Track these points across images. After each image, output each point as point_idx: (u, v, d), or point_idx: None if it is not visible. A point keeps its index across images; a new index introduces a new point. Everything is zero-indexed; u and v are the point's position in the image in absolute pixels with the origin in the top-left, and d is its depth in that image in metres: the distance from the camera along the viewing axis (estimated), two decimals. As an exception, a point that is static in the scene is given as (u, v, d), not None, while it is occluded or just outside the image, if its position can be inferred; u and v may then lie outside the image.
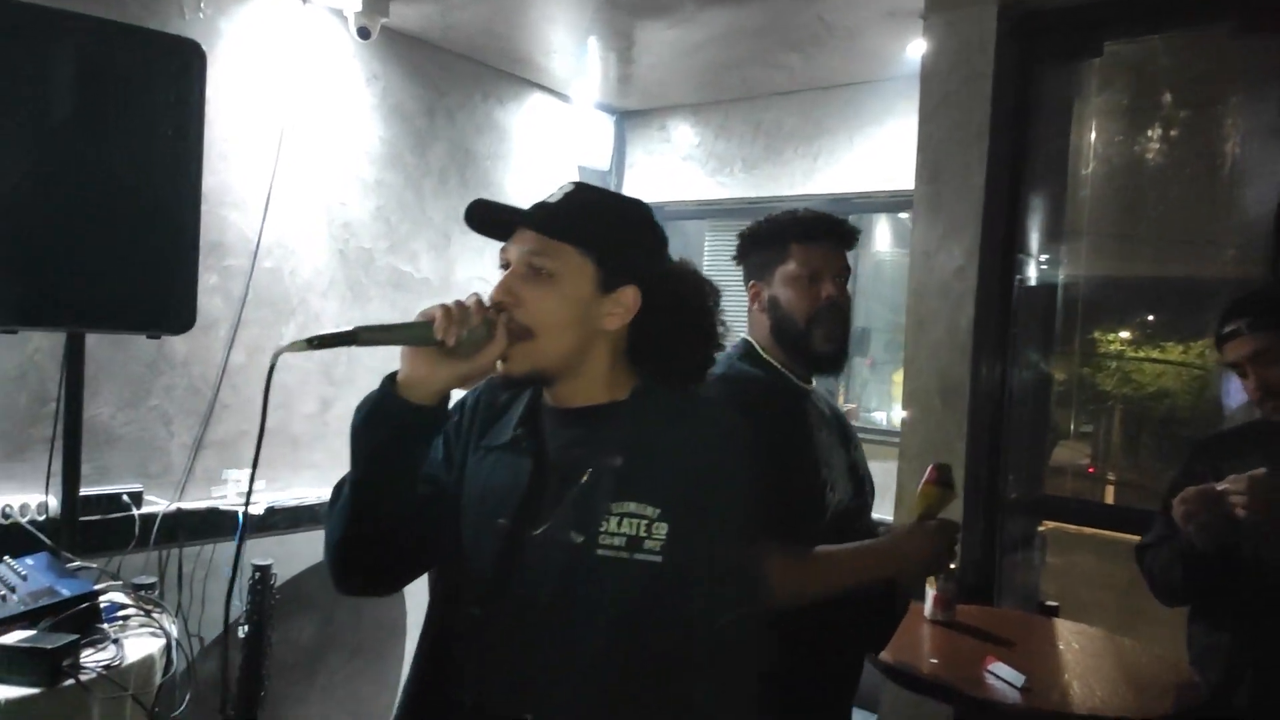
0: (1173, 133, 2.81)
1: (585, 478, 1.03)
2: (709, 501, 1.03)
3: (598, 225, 1.08)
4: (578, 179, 1.12)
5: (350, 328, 0.96)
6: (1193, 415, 3.42)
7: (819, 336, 1.54)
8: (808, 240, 1.56)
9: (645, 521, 1.01)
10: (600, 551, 1.00)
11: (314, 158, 2.93)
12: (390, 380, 1.01)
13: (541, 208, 1.08)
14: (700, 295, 1.15)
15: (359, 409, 1.03)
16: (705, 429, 1.08)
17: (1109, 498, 3.92)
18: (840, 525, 1.53)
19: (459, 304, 1.00)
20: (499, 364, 1.03)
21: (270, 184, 2.80)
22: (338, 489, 1.07)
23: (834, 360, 1.57)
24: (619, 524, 1.01)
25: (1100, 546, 3.68)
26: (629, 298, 1.08)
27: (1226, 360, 1.86)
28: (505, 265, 1.08)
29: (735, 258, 1.66)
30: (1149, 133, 2.83)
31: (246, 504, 2.72)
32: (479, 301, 1.02)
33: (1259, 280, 2.35)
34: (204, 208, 2.50)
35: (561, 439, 1.09)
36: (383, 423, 1.00)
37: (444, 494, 1.11)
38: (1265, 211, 2.37)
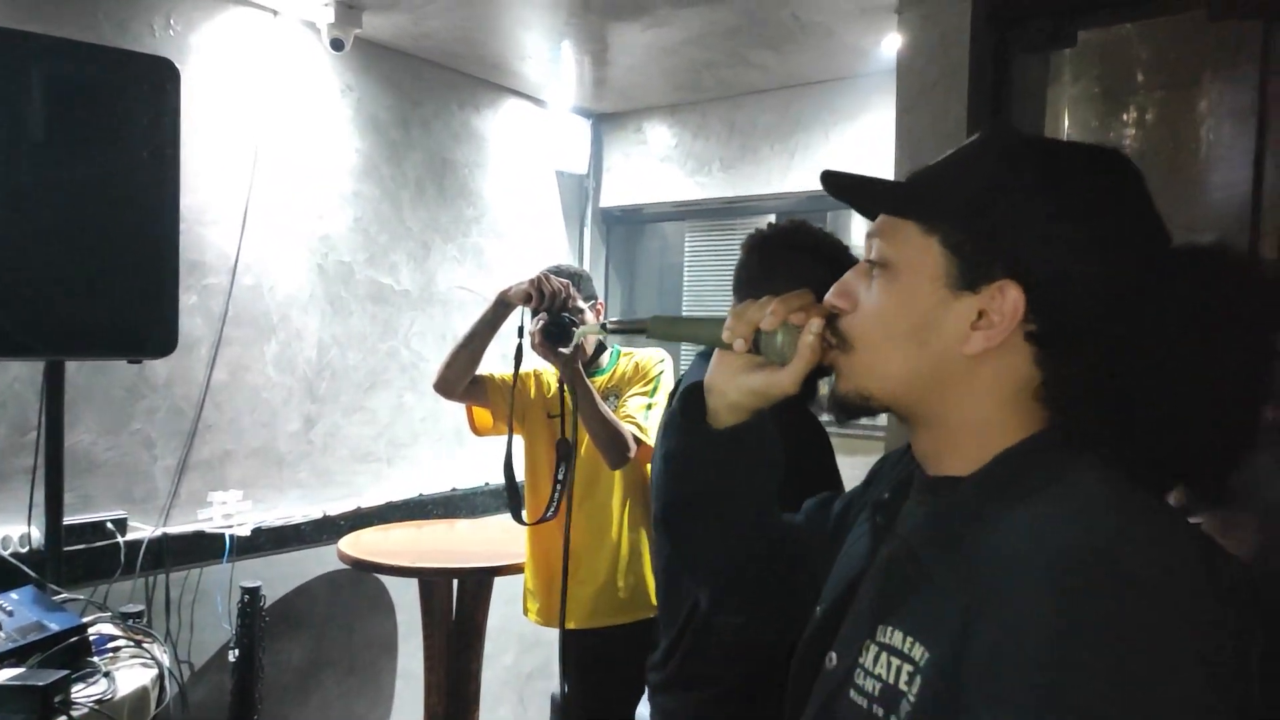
0: (1147, 118, 2.83)
1: (878, 579, 0.72)
2: (1023, 683, 0.54)
3: (951, 185, 0.71)
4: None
5: (645, 317, 0.88)
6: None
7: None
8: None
9: (905, 668, 0.63)
10: (852, 694, 0.68)
11: (290, 172, 2.90)
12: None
13: (894, 182, 0.76)
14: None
15: (673, 401, 0.91)
16: (1073, 554, 0.57)
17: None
18: None
19: (753, 301, 0.78)
20: (824, 382, 0.81)
21: (247, 200, 2.77)
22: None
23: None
24: (875, 660, 0.67)
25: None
26: (1007, 303, 0.66)
27: None
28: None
29: (751, 273, 1.57)
30: (1123, 118, 2.85)
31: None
32: (781, 301, 0.77)
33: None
34: (181, 227, 2.47)
35: (914, 517, 0.75)
36: (674, 430, 0.87)
37: (808, 547, 0.90)
38: (1241, 194, 2.39)
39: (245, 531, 2.68)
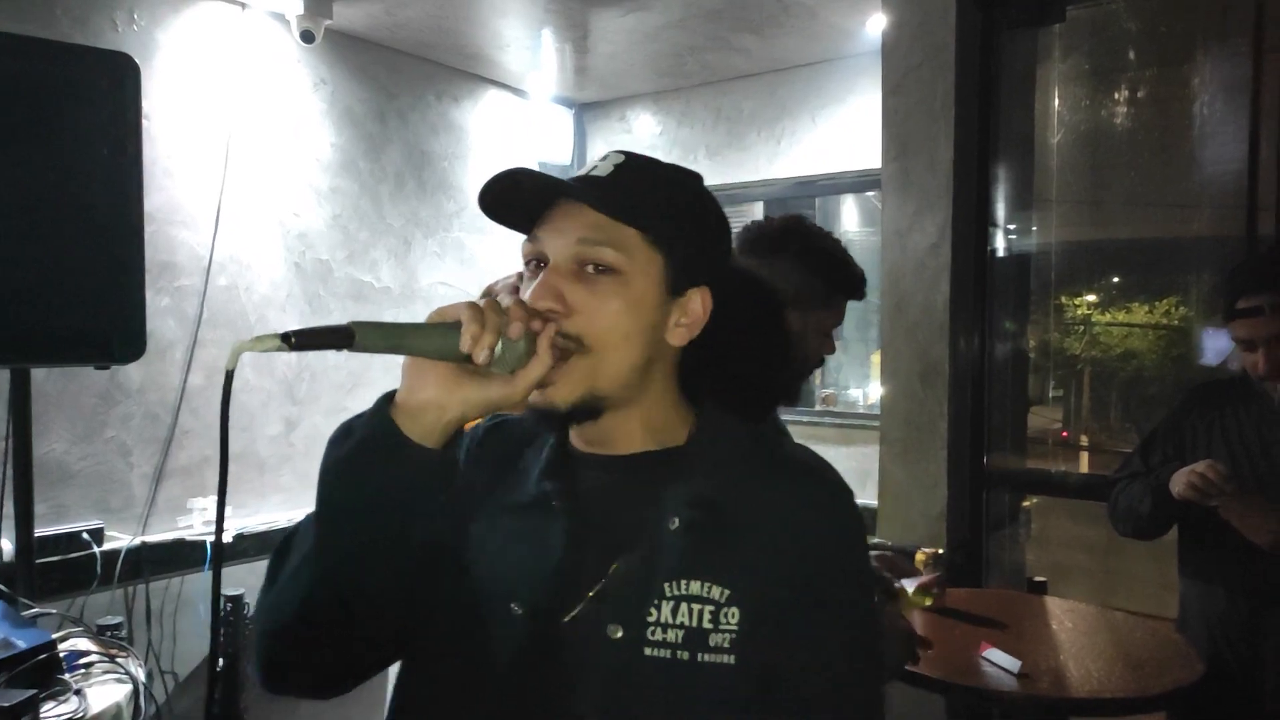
0: (1139, 94, 2.78)
1: (638, 549, 0.76)
2: (818, 585, 0.76)
3: (667, 206, 0.80)
4: (624, 152, 0.83)
5: (345, 323, 0.69)
6: (1159, 373, 3.45)
7: (802, 381, 1.53)
8: (852, 298, 1.51)
9: (711, 608, 0.74)
10: (649, 651, 0.73)
11: (264, 168, 2.84)
12: (386, 402, 0.73)
13: (593, 182, 0.79)
14: (774, 305, 0.93)
15: (337, 440, 0.74)
16: (809, 486, 0.81)
17: (1083, 462, 3.94)
18: None
19: (492, 304, 0.72)
20: (537, 390, 0.76)
21: (219, 198, 2.70)
22: (282, 551, 0.79)
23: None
24: (674, 612, 0.74)
25: (1075, 510, 3.69)
26: (698, 304, 0.82)
27: (1237, 335, 1.82)
28: (537, 262, 0.81)
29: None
30: (1115, 96, 2.80)
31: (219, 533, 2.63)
32: (519, 304, 0.75)
33: (1235, 240, 2.32)
34: (151, 227, 2.41)
35: (607, 497, 0.81)
36: (376, 464, 0.71)
37: (442, 566, 0.80)
38: (1236, 169, 2.34)
39: (227, 538, 2.62)
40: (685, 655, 0.73)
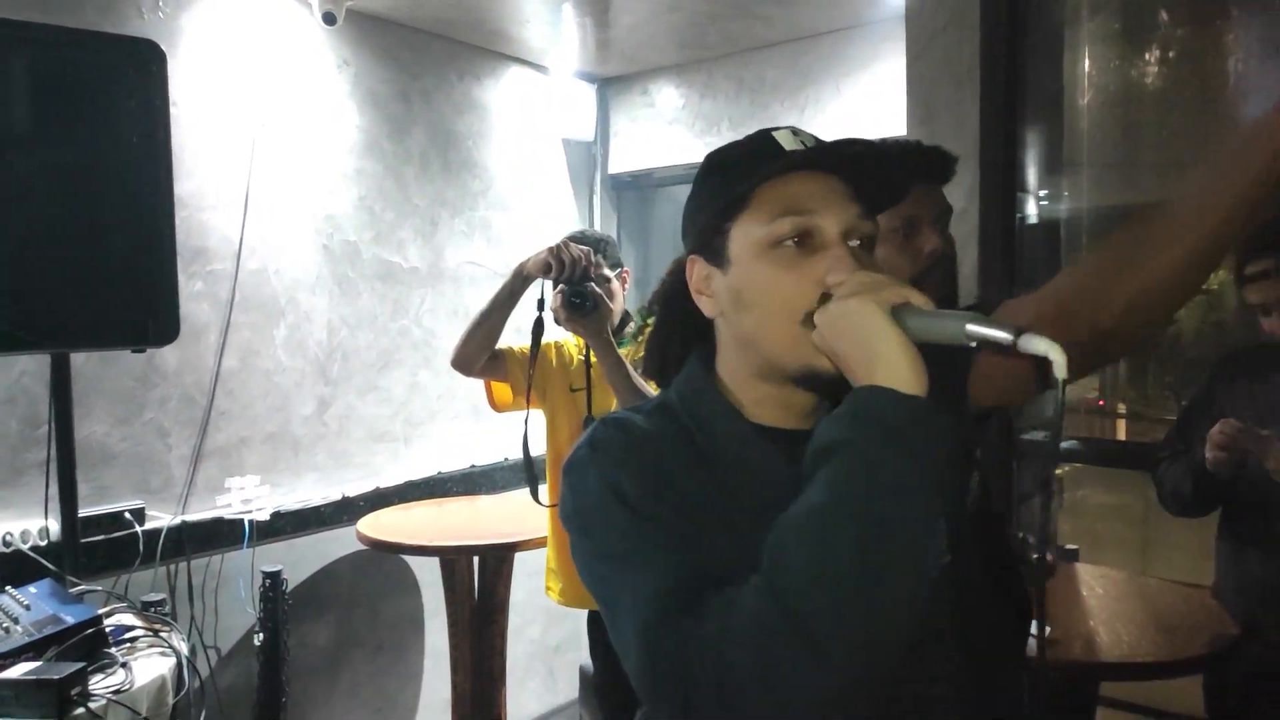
0: (1170, 54, 2.71)
1: None
2: None
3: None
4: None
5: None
6: (1198, 339, 3.38)
7: None
8: None
9: None
10: None
11: (290, 152, 2.86)
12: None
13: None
14: None
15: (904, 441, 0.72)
16: None
17: (1120, 431, 3.89)
18: None
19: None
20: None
21: (248, 182, 2.73)
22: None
23: None
24: None
25: (1112, 480, 3.65)
26: None
27: (1251, 300, 1.79)
28: (802, 237, 0.83)
29: None
30: (1146, 56, 2.73)
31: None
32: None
33: (1272, 204, 2.27)
34: (183, 213, 2.46)
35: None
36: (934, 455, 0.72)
37: None
38: (1273, 128, 2.27)
39: (264, 516, 2.68)
40: None
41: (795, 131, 0.87)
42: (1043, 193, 2.67)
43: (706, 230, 0.89)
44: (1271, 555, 1.81)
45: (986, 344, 0.72)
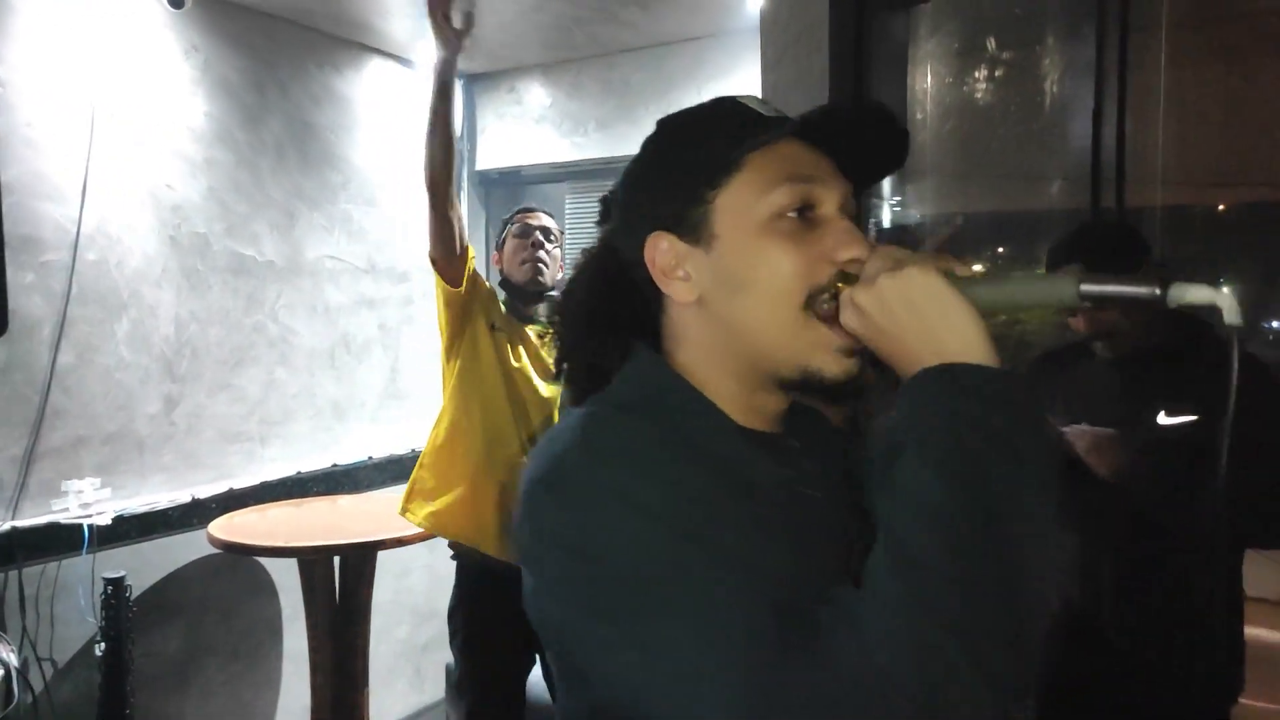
0: (998, 74, 2.94)
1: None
2: None
3: None
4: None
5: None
6: (1042, 339, 3.65)
7: None
8: None
9: None
10: None
11: (133, 138, 2.73)
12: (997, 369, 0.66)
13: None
14: None
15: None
16: None
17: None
18: None
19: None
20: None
21: (86, 170, 2.59)
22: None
23: None
24: None
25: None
26: None
27: None
28: (803, 209, 0.74)
29: None
30: (975, 75, 2.95)
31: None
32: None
33: (1084, 212, 2.50)
34: (10, 200, 2.31)
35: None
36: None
37: None
38: (1082, 145, 2.51)
39: (106, 520, 2.55)
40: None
41: (763, 99, 0.79)
42: (894, 199, 2.84)
43: (680, 203, 0.77)
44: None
45: (1102, 303, 0.61)
